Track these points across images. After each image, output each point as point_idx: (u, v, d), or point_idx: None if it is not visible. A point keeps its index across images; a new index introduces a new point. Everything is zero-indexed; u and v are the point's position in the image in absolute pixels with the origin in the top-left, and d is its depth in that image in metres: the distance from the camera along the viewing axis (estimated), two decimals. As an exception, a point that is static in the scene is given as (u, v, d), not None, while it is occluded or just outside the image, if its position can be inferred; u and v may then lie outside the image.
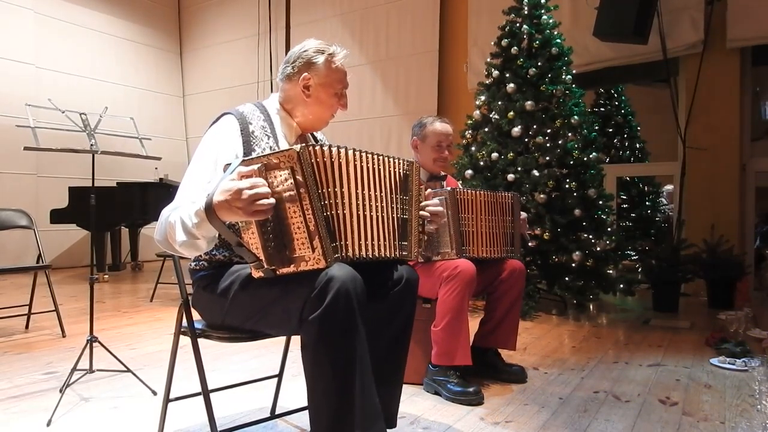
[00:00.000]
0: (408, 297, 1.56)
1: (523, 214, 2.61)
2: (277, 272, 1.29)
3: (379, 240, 1.42)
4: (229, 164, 1.32)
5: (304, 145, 1.29)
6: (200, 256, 1.55)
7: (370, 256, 1.40)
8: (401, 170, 1.51)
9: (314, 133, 1.79)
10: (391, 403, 1.62)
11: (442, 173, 2.69)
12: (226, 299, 1.47)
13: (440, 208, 1.64)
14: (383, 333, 1.55)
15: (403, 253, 1.50)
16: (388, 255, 1.45)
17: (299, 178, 1.26)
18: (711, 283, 4.33)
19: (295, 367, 2.60)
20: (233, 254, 1.50)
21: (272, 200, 1.23)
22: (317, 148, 1.31)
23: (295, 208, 1.27)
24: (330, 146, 1.35)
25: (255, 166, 1.28)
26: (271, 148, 1.54)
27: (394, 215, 1.48)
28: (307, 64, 1.61)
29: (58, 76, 7.08)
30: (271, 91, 7.29)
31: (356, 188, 1.38)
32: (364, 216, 1.40)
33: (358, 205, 1.38)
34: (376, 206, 1.43)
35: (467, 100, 5.61)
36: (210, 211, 1.25)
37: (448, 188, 2.34)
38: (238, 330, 1.51)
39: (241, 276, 1.46)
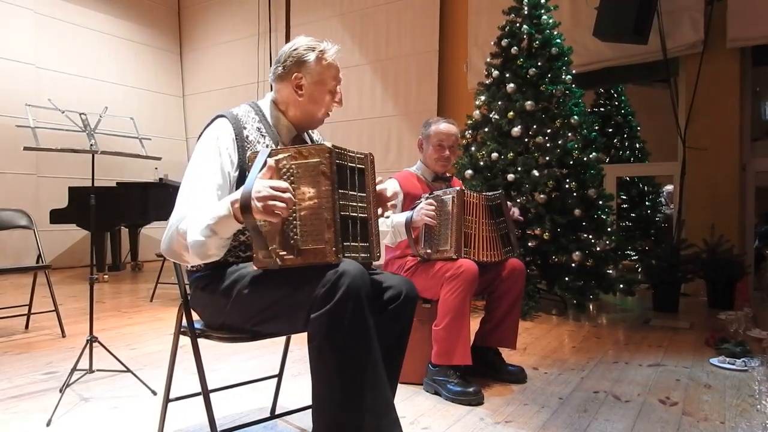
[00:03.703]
0: (405, 313, 1.52)
1: (514, 210, 2.59)
2: (283, 262, 1.29)
3: (352, 241, 1.40)
4: (257, 152, 1.36)
5: (333, 144, 1.32)
6: None
7: (359, 259, 1.39)
8: (357, 165, 1.43)
9: (310, 132, 1.76)
10: None
11: (447, 174, 2.69)
12: (229, 299, 1.46)
13: (386, 186, 1.59)
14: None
15: (363, 255, 1.41)
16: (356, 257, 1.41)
17: (326, 171, 1.29)
18: (711, 283, 4.32)
19: (295, 367, 2.61)
20: (228, 255, 1.49)
21: (290, 199, 1.25)
22: (342, 150, 1.36)
23: (313, 202, 1.30)
24: (347, 151, 1.38)
25: (284, 155, 1.31)
26: (267, 147, 1.52)
27: (355, 214, 1.41)
28: (298, 63, 1.57)
29: (58, 76, 7.09)
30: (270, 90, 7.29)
31: (347, 190, 1.39)
32: (357, 218, 1.41)
33: (353, 206, 1.40)
34: (352, 206, 1.40)
35: (467, 100, 5.60)
36: (247, 207, 1.25)
37: (457, 188, 2.35)
38: (238, 330, 1.50)
39: (243, 275, 1.44)
